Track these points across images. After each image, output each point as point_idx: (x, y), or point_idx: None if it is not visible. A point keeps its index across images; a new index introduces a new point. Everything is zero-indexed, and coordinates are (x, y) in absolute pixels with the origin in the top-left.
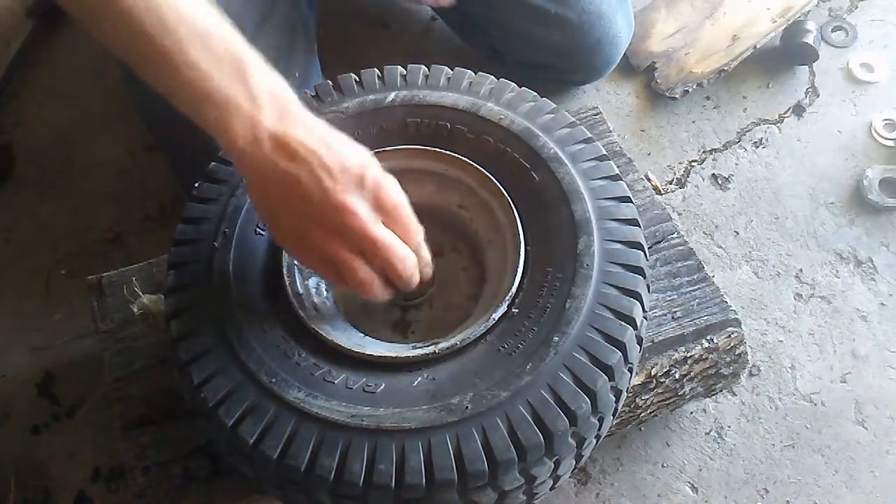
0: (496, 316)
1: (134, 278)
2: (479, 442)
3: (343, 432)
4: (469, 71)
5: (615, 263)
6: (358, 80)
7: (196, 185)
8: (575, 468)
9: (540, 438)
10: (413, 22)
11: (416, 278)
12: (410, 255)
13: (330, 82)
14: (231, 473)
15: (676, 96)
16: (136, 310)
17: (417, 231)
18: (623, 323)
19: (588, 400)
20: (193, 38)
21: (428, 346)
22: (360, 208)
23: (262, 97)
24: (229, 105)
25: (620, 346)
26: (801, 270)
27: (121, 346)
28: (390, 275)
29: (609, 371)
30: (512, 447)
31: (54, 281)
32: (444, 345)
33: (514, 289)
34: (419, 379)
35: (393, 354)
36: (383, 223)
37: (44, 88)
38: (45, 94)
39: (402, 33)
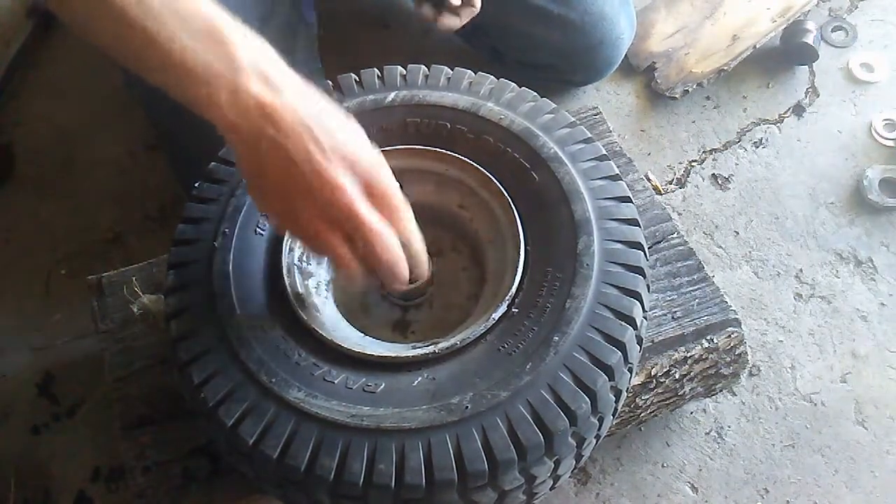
0: (496, 316)
1: (134, 278)
2: (479, 442)
3: (343, 432)
4: (469, 71)
5: (615, 263)
6: (358, 80)
7: (196, 185)
8: (575, 468)
9: (540, 438)
10: (413, 22)
11: (401, 271)
12: (395, 242)
13: (330, 82)
14: (231, 473)
15: (676, 96)
16: (136, 310)
17: (408, 219)
18: (623, 323)
19: (588, 400)
20: (173, 16)
21: (428, 345)
22: (350, 188)
23: (245, 64)
24: (211, 76)
25: (620, 346)
26: (801, 270)
27: (121, 346)
28: (371, 260)
29: (609, 371)
30: (512, 447)
31: (54, 281)
32: (444, 345)
33: (514, 289)
34: (419, 379)
35: (393, 354)
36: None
37: (44, 88)
38: (45, 93)
39: (402, 33)
